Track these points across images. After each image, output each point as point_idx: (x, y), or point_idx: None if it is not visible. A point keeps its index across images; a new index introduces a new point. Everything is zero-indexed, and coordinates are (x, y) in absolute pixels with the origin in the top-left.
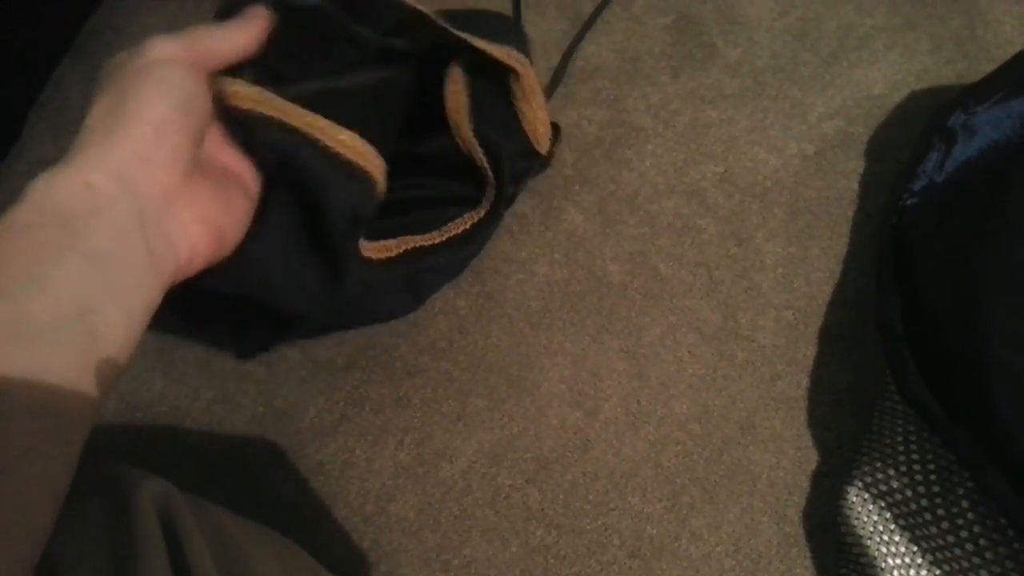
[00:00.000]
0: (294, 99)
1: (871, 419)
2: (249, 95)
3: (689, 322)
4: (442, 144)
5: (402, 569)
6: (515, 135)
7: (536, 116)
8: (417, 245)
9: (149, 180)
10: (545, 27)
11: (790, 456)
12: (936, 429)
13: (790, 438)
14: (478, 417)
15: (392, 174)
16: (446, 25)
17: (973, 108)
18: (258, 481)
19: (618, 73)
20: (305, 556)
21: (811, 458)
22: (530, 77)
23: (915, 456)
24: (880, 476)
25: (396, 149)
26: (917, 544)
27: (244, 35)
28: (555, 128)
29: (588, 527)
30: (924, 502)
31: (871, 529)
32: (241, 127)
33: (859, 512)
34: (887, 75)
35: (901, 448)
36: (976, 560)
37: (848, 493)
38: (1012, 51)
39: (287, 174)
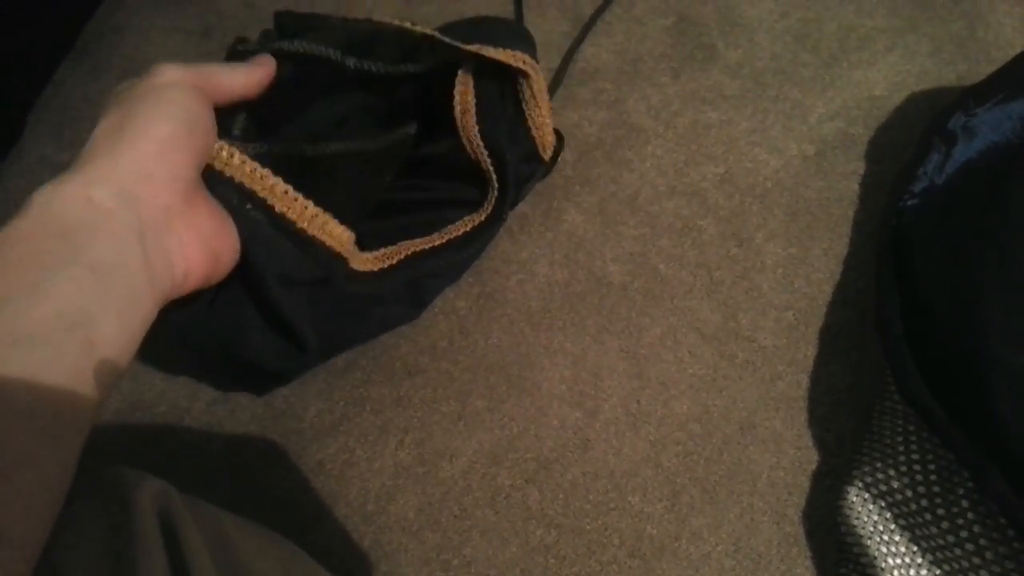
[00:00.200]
0: (276, 157)
1: (871, 419)
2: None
3: (689, 322)
4: (446, 146)
5: (402, 569)
6: (520, 139)
7: (543, 120)
8: (417, 250)
9: (150, 196)
10: (546, 28)
11: (790, 456)
12: (936, 429)
13: (790, 438)
14: (478, 417)
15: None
16: (456, 43)
17: (973, 110)
18: (258, 481)
19: (618, 74)
20: (304, 556)
21: (811, 458)
22: (539, 80)
23: (915, 456)
24: (880, 476)
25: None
26: (917, 544)
27: (248, 76)
28: (558, 136)
29: (588, 527)
30: (924, 502)
31: (871, 529)
32: (206, 181)
33: (859, 512)
34: (887, 76)
35: (901, 448)
36: (976, 560)
37: (848, 493)
38: (1012, 53)
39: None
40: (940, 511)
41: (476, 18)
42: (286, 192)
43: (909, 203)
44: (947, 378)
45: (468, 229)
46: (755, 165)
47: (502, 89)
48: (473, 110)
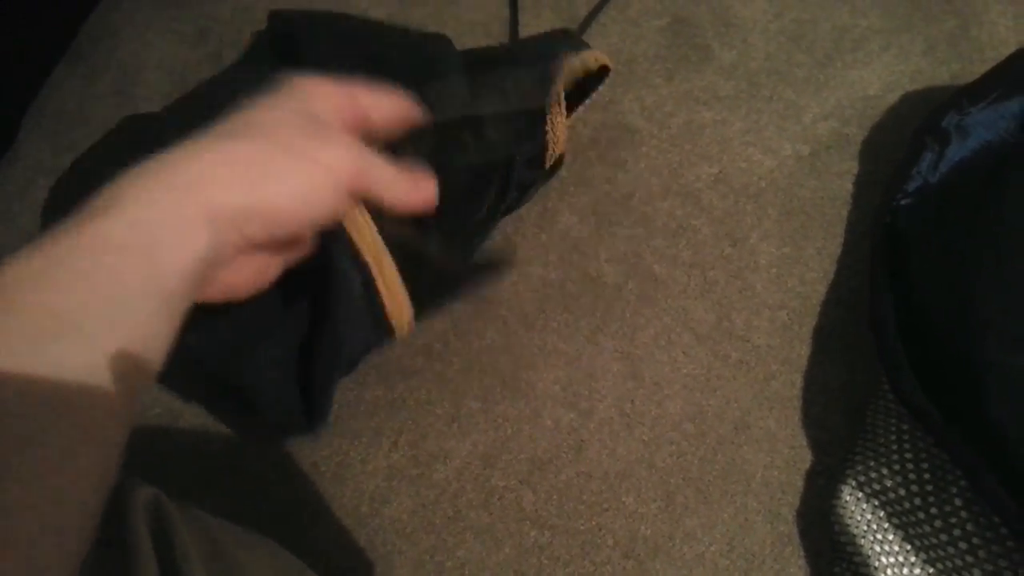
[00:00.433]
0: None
1: (865, 418)
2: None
3: (683, 322)
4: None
5: (396, 571)
6: (529, 142)
7: (560, 121)
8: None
9: (232, 240)
10: (541, 30)
11: (784, 455)
12: (929, 429)
13: (784, 437)
14: (472, 419)
15: None
16: (547, 88)
17: (967, 109)
18: (252, 483)
19: (613, 75)
20: (297, 562)
21: (805, 457)
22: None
23: (908, 455)
24: (874, 475)
25: None
26: (910, 543)
27: (408, 197)
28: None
29: (582, 528)
30: (917, 501)
31: (865, 528)
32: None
33: (853, 511)
34: (881, 76)
35: (895, 447)
36: (969, 558)
37: (842, 492)
38: (1006, 52)
39: (323, 293)
40: (933, 510)
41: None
42: (391, 276)
43: (903, 202)
44: (941, 378)
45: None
46: (749, 165)
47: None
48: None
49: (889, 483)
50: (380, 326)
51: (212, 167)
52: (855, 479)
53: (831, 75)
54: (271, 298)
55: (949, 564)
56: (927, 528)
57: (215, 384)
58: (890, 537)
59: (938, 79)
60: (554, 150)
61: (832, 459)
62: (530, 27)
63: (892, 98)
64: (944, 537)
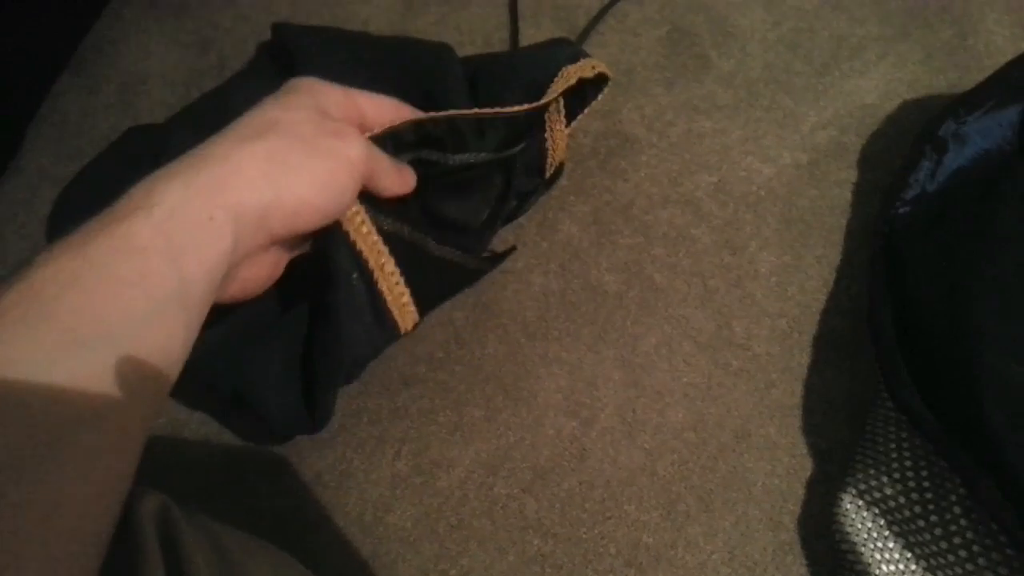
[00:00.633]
0: (395, 237)
1: (865, 426)
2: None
3: (684, 331)
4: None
5: None
6: (532, 149)
7: (561, 133)
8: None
9: (255, 238)
10: (540, 40)
11: (785, 464)
12: (928, 436)
13: (785, 446)
14: (475, 427)
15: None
16: (556, 98)
17: (964, 117)
18: (256, 492)
19: (613, 84)
20: (302, 570)
21: (806, 465)
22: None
23: (908, 463)
24: (874, 483)
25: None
26: (911, 551)
27: (402, 186)
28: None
29: (584, 536)
30: (917, 508)
31: (865, 536)
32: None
33: (853, 519)
34: (879, 85)
35: (894, 455)
36: (969, 567)
37: (842, 500)
38: (1003, 60)
39: (324, 292)
40: (933, 518)
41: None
42: (392, 273)
43: (901, 211)
44: (940, 385)
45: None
46: (748, 174)
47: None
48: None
49: (889, 491)
50: (383, 323)
51: (238, 167)
52: (855, 487)
53: (829, 84)
54: (270, 297)
55: (950, 572)
56: (927, 536)
57: (218, 387)
58: (891, 545)
59: (936, 88)
60: (554, 159)
61: (833, 467)
62: (530, 37)
63: (890, 106)
64: (944, 545)
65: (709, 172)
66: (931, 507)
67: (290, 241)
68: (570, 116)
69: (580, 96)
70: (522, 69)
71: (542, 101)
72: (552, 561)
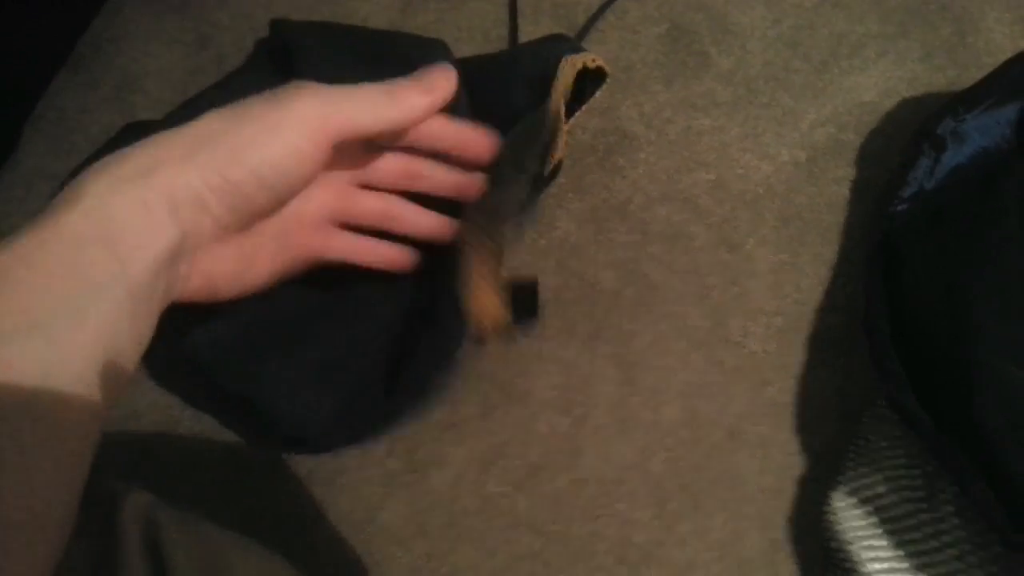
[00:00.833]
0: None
1: (858, 425)
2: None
3: (679, 328)
4: None
5: None
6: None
7: (559, 126)
8: None
9: (199, 223)
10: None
11: (777, 462)
12: (921, 435)
13: (778, 444)
14: (468, 425)
15: None
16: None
17: (962, 115)
18: (248, 489)
19: (612, 81)
20: (291, 569)
21: (798, 464)
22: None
23: (900, 462)
24: (866, 482)
25: None
26: (901, 549)
27: (401, 111)
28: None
29: (575, 533)
30: (909, 508)
31: (855, 535)
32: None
33: (844, 517)
34: (878, 82)
35: (887, 454)
36: (959, 565)
37: (833, 499)
38: (1002, 58)
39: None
40: (924, 516)
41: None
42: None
43: (899, 208)
44: (935, 384)
45: None
46: (746, 171)
47: None
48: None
49: (881, 489)
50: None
51: (168, 151)
52: (847, 485)
53: (828, 81)
54: (289, 304)
55: (939, 571)
56: (917, 535)
57: (222, 390)
58: (881, 544)
59: (935, 85)
60: (553, 156)
61: (825, 466)
62: (529, 34)
63: (889, 104)
64: (934, 544)
65: (707, 170)
66: (923, 506)
67: (264, 229)
68: (568, 113)
69: (578, 93)
70: (523, 64)
71: (552, 95)
72: (543, 559)
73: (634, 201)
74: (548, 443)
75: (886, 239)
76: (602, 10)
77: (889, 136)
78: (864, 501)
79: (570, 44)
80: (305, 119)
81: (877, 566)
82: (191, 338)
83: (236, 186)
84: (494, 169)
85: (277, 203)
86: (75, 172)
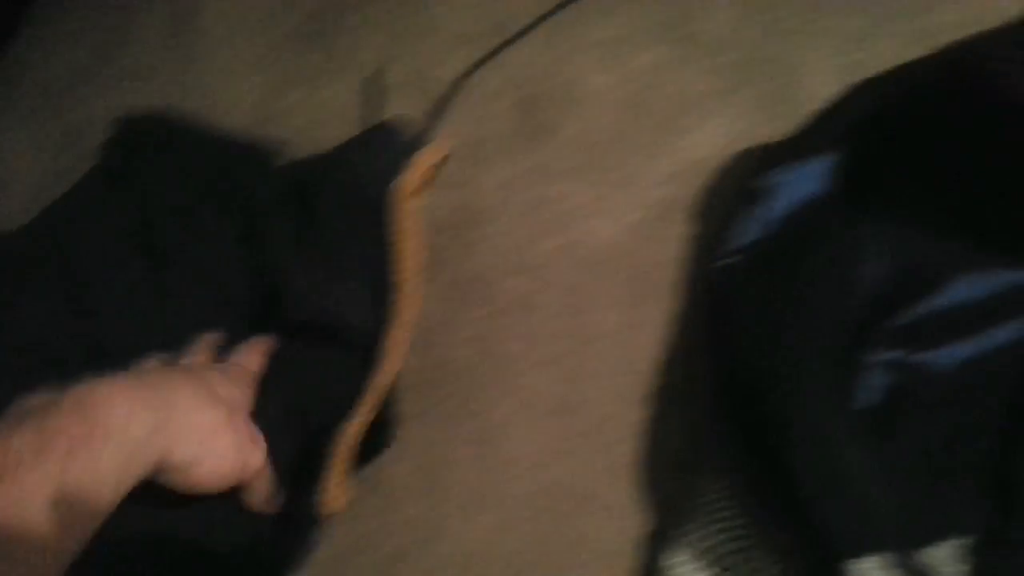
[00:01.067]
0: None
1: (697, 478)
2: None
3: (533, 399)
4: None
5: None
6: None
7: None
8: None
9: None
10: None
11: (627, 523)
12: (746, 489)
13: (627, 505)
14: (328, 520)
15: None
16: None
17: (779, 168)
18: None
19: (465, 156)
20: None
21: (647, 521)
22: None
23: (732, 514)
24: (702, 533)
25: None
26: None
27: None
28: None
29: None
30: (740, 557)
31: None
32: None
33: (682, 571)
34: (713, 139)
35: (720, 506)
36: None
37: (672, 554)
38: None
39: None
40: (755, 564)
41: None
42: None
43: (723, 263)
44: (759, 438)
45: None
46: (593, 235)
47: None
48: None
49: (713, 540)
50: None
51: None
52: (684, 538)
53: (668, 140)
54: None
55: None
56: None
57: None
58: None
59: (765, 138)
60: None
61: (669, 521)
62: (393, 111)
63: (723, 159)
64: None
65: (555, 237)
66: (753, 553)
67: None
68: None
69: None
70: (355, 178)
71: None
72: None
73: (486, 275)
74: (408, 530)
75: (715, 294)
76: (457, 85)
77: (722, 191)
78: (700, 553)
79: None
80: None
81: None
82: None
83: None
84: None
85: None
86: None
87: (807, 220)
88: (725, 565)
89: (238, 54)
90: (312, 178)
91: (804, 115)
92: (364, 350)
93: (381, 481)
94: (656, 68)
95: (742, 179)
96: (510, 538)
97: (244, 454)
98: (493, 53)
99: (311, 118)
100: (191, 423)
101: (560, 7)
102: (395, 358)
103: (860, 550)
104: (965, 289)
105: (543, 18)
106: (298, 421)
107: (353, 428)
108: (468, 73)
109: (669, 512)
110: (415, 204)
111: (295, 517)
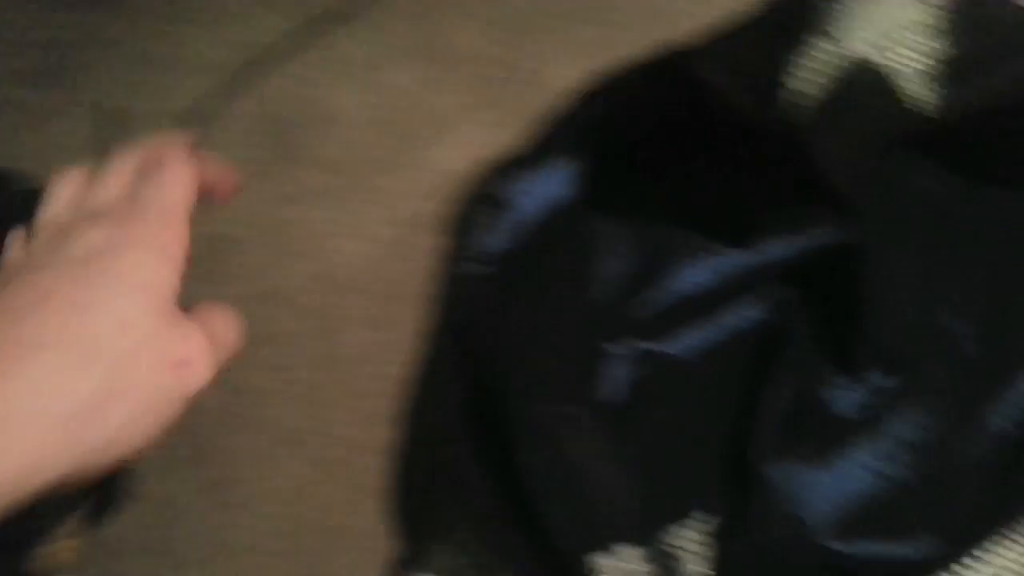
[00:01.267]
0: None
1: (443, 497)
2: None
3: (279, 434)
4: None
5: None
6: None
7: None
8: None
9: None
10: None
11: (380, 552)
12: (489, 506)
13: (380, 533)
14: None
15: None
16: None
17: (517, 175)
18: None
19: None
20: None
21: (396, 547)
22: None
23: (473, 534)
24: (446, 555)
25: None
26: None
27: None
28: None
29: None
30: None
31: None
32: None
33: None
34: (461, 151)
35: (463, 526)
36: None
37: None
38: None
39: None
40: None
41: None
42: None
43: (466, 273)
44: (501, 450)
45: None
46: (342, 257)
47: None
48: None
49: (457, 562)
50: None
51: None
52: (430, 561)
53: (417, 156)
54: None
55: None
56: None
57: None
58: None
59: (509, 145)
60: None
61: (417, 545)
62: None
63: (471, 170)
64: None
65: (304, 261)
66: (497, 573)
67: None
68: None
69: None
70: None
71: None
72: None
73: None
74: None
75: (460, 305)
76: (203, 116)
77: (470, 202)
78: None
79: None
80: None
81: None
82: None
83: None
84: None
85: None
86: None
87: (551, 225)
88: None
89: None
90: None
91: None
92: None
93: (116, 544)
94: (407, 86)
95: (480, 189)
96: None
97: None
98: (241, 79)
99: (44, 160)
100: None
101: (310, 30)
102: None
103: (592, 545)
104: (693, 276)
105: (293, 41)
106: None
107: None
108: (215, 101)
109: (415, 536)
110: None
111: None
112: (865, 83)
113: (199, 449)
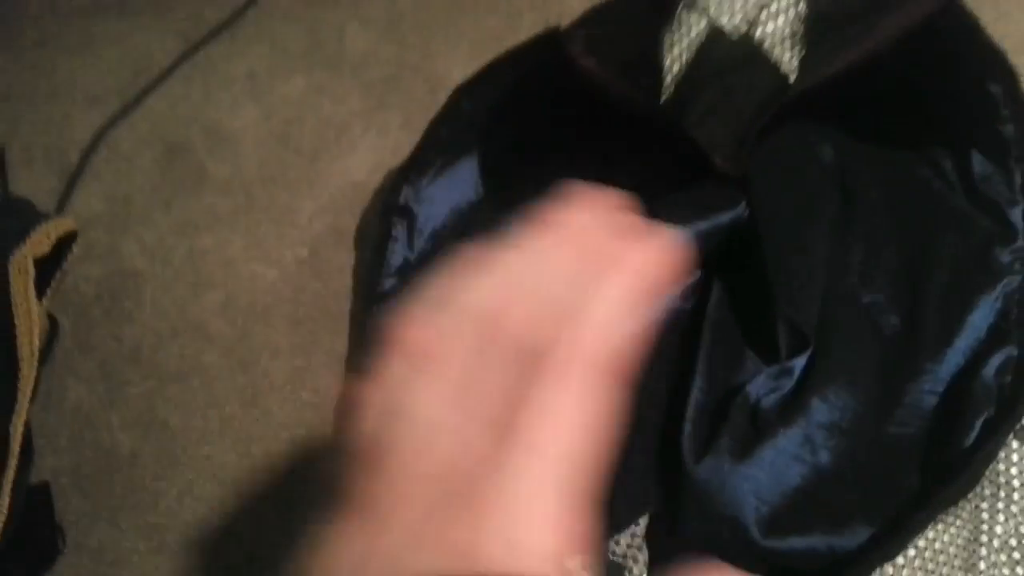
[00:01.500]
0: None
1: None
2: None
3: (206, 471)
4: None
5: None
6: None
7: (32, 309)
8: None
9: None
10: (33, 185)
11: None
12: None
13: None
14: None
15: None
16: None
17: (418, 181)
18: None
19: (111, 220)
20: None
21: None
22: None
23: None
24: None
25: None
26: None
27: None
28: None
29: None
30: None
31: None
32: None
33: None
34: (366, 159)
35: None
36: None
37: None
38: None
39: None
40: None
41: None
42: None
43: (387, 285)
44: None
45: None
46: (254, 282)
47: None
48: None
49: None
50: None
51: None
52: None
53: (321, 169)
54: None
55: None
56: None
57: None
58: None
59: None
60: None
61: None
62: (21, 182)
63: (378, 179)
64: None
65: (215, 290)
66: None
67: None
68: (45, 285)
69: (54, 260)
70: None
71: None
72: None
73: (145, 344)
74: None
75: (374, 324)
76: (94, 144)
77: (378, 214)
78: None
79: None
80: None
81: None
82: None
83: None
84: None
85: None
86: None
87: (465, 226)
88: None
89: None
90: None
91: None
92: None
93: None
94: (300, 97)
95: (384, 199)
96: None
97: None
98: (130, 105)
99: None
100: None
101: (195, 48)
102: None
103: None
104: None
105: (178, 62)
106: None
107: None
108: (104, 130)
109: None
110: (27, 283)
111: None
112: (737, 54)
113: (131, 496)
